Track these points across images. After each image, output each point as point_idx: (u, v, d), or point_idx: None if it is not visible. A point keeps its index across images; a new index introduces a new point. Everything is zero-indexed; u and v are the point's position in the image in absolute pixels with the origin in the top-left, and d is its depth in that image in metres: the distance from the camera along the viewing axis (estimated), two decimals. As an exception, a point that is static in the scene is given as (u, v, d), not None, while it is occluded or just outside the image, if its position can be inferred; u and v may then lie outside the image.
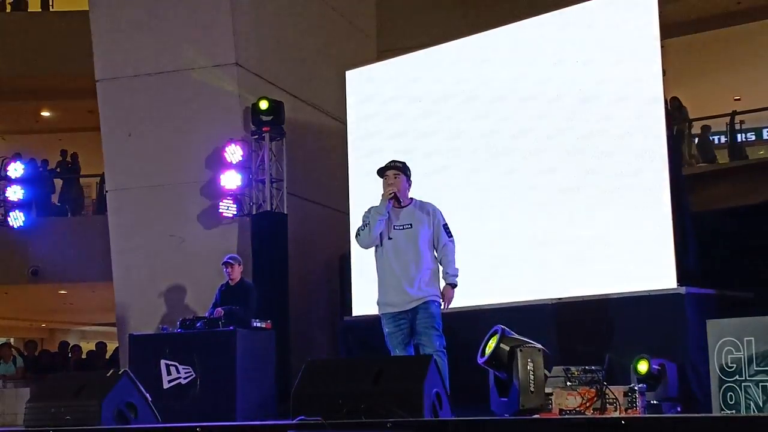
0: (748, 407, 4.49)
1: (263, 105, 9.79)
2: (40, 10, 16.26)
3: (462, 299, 6.13)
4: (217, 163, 9.75)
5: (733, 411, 4.52)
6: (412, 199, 6.03)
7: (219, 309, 8.15)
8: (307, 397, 4.55)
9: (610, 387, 4.97)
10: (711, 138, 13.55)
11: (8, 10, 16.31)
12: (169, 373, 7.92)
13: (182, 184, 9.99)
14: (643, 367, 6.18)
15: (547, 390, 5.06)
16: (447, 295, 5.90)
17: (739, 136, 13.97)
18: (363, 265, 8.38)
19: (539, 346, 5.19)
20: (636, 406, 4.93)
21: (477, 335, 5.65)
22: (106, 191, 10.61)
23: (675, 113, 11.70)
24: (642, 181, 6.94)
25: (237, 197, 9.75)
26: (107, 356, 14.67)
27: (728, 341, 4.63)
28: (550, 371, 5.19)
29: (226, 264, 8.41)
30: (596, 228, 7.16)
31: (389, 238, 5.91)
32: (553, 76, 7.56)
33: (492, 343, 5.37)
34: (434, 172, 8.09)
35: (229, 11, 9.99)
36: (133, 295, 10.04)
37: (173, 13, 10.15)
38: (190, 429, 4.51)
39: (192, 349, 7.91)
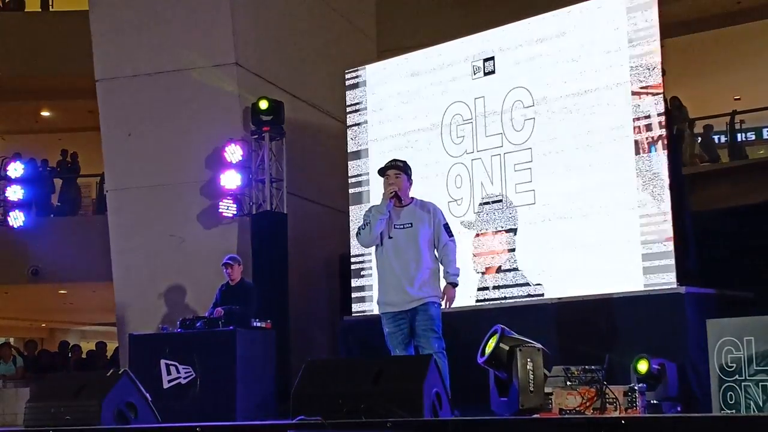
0: (748, 407, 4.49)
1: (263, 105, 9.79)
2: (39, 9, 16.25)
3: (462, 299, 6.13)
4: (217, 162, 9.75)
5: (733, 411, 4.52)
6: (413, 198, 6.04)
7: (219, 309, 8.15)
8: (307, 397, 4.55)
9: (610, 387, 4.97)
10: (712, 137, 13.56)
11: (4, 6, 16.29)
12: (169, 372, 7.92)
13: (182, 184, 9.99)
14: (643, 366, 6.18)
15: (547, 390, 5.05)
16: (448, 294, 5.90)
17: (739, 135, 13.98)
18: (363, 264, 8.41)
19: (539, 345, 5.19)
20: (636, 406, 4.93)
21: (477, 335, 5.64)
22: (106, 191, 10.61)
23: (675, 113, 11.70)
24: (642, 180, 6.93)
25: (237, 197, 9.75)
26: (107, 356, 14.68)
27: (728, 341, 4.63)
28: (549, 371, 5.18)
29: (225, 265, 8.41)
30: (596, 228, 7.16)
31: (390, 237, 5.91)
32: (553, 76, 7.55)
33: (492, 343, 5.36)
34: (434, 172, 8.09)
35: (229, 11, 9.99)
36: (133, 295, 10.04)
37: (173, 13, 10.15)
38: (190, 429, 4.51)
39: (192, 349, 7.91)
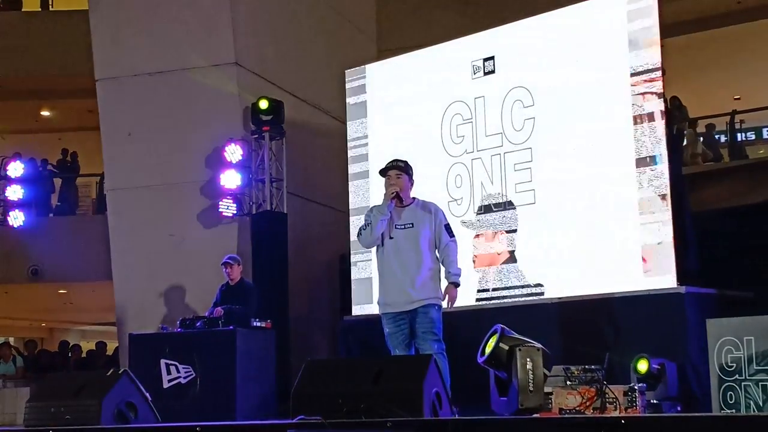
0: (748, 407, 4.50)
1: (263, 104, 9.79)
2: (39, 9, 16.25)
3: (462, 299, 6.13)
4: (217, 162, 9.74)
5: (733, 410, 4.53)
6: (414, 198, 6.02)
7: (219, 308, 8.16)
8: (307, 397, 4.55)
9: (610, 386, 4.97)
10: (716, 136, 13.57)
11: (3, 6, 16.29)
12: (168, 372, 7.92)
13: (182, 183, 9.99)
14: (643, 366, 6.18)
15: (547, 389, 5.05)
16: (450, 294, 5.89)
17: (739, 135, 13.98)
18: (363, 265, 8.40)
19: (539, 345, 5.18)
20: (636, 406, 4.93)
21: (477, 335, 5.64)
22: (106, 191, 10.61)
23: (675, 113, 11.70)
24: (642, 180, 6.94)
25: (237, 197, 9.75)
26: (107, 356, 14.68)
27: (728, 341, 4.64)
28: (549, 371, 5.18)
29: (225, 264, 8.41)
30: (596, 227, 7.16)
31: (390, 238, 5.90)
32: (553, 76, 7.55)
33: (492, 343, 5.36)
34: (434, 172, 8.09)
35: (229, 11, 9.99)
36: (133, 294, 10.04)
37: (173, 13, 10.15)
38: (190, 429, 4.51)
39: (192, 349, 7.91)
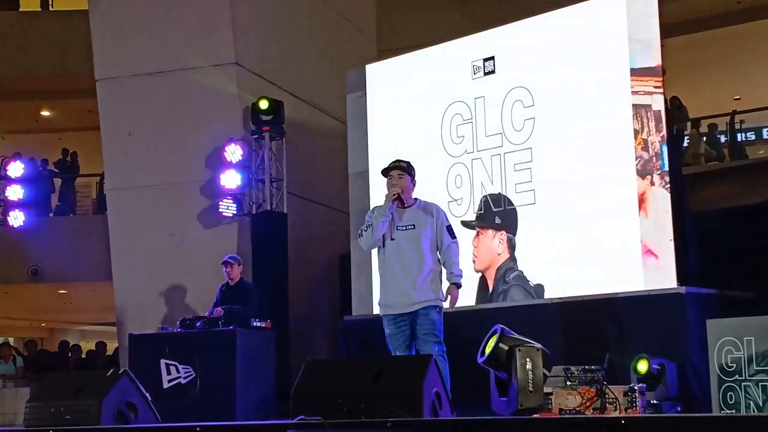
0: (748, 407, 4.50)
1: (263, 104, 9.79)
2: (39, 9, 16.24)
3: (462, 299, 6.13)
4: (217, 162, 9.75)
5: (733, 411, 4.53)
6: (416, 199, 6.00)
7: (219, 308, 8.16)
8: (307, 397, 4.55)
9: (610, 387, 4.97)
10: (717, 136, 13.57)
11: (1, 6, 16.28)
12: (168, 372, 7.92)
13: (182, 183, 9.99)
14: (643, 366, 6.18)
15: (547, 389, 5.04)
16: (452, 294, 5.87)
17: (739, 135, 13.97)
18: (363, 265, 8.40)
19: (538, 345, 5.18)
20: (636, 406, 4.93)
21: (477, 335, 5.63)
22: (106, 191, 10.61)
23: (675, 113, 11.70)
24: (642, 180, 6.94)
25: (237, 197, 9.75)
26: (107, 356, 14.67)
27: (728, 341, 4.64)
28: (549, 371, 5.18)
29: (225, 264, 8.41)
30: (596, 227, 7.16)
31: (392, 239, 5.87)
32: (553, 76, 7.55)
33: (491, 343, 5.35)
34: (434, 172, 8.09)
35: (229, 11, 9.99)
36: (133, 295, 10.04)
37: (173, 13, 10.15)
38: (190, 429, 4.50)
39: (192, 349, 7.91)
